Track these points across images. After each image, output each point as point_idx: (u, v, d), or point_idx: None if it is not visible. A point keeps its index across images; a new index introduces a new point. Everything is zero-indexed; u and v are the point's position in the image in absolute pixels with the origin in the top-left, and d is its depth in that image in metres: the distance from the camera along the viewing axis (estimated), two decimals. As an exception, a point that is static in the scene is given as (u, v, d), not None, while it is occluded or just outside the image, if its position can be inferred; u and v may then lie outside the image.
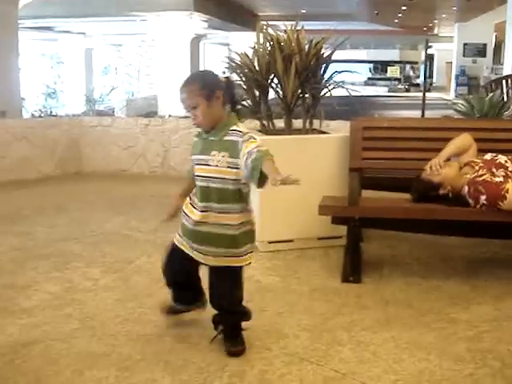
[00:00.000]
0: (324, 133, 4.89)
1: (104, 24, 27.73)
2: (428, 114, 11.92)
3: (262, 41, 4.82)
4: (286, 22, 5.04)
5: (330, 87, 4.81)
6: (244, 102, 5.15)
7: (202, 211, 2.94)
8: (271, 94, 4.98)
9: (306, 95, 4.83)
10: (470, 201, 3.86)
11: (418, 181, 4.11)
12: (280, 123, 5.00)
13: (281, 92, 4.77)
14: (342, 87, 4.81)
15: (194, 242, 3.01)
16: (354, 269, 4.04)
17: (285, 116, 4.87)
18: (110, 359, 3.00)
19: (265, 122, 4.94)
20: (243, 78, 4.93)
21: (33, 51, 31.68)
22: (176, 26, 20.64)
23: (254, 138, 2.88)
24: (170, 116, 12.67)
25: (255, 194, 4.60)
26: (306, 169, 4.59)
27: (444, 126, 4.81)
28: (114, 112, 20.36)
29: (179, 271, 3.19)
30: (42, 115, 15.61)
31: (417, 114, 14.20)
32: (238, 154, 2.83)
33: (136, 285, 3.98)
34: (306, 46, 4.70)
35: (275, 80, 4.82)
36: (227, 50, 35.12)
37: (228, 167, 2.86)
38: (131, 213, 5.70)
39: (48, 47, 33.57)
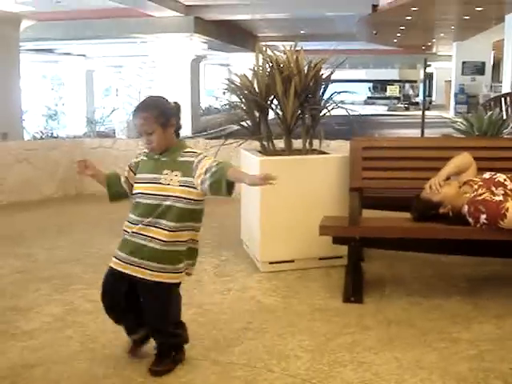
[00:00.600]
0: (324, 153, 4.91)
1: (104, 46, 28.00)
2: (427, 132, 11.97)
3: (261, 62, 4.86)
4: (285, 43, 5.08)
5: (329, 107, 4.84)
6: (244, 123, 5.19)
7: (146, 225, 2.99)
8: (271, 115, 5.01)
9: (306, 116, 4.86)
10: (470, 220, 3.87)
11: (417, 200, 4.12)
12: (280, 144, 5.03)
13: (280, 113, 4.80)
14: (341, 107, 4.83)
15: (131, 255, 3.00)
16: (355, 289, 4.04)
17: (285, 136, 4.89)
18: (110, 382, 2.99)
19: (265, 143, 4.96)
20: (243, 100, 4.97)
21: (34, 73, 31.89)
22: (176, 47, 20.83)
23: (209, 157, 3.01)
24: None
25: (256, 214, 4.63)
26: (307, 189, 4.62)
27: (443, 145, 4.84)
28: (114, 133, 20.44)
29: (117, 294, 3.09)
30: (43, 137, 15.67)
31: (416, 132, 14.26)
32: (191, 172, 2.96)
33: (137, 306, 3.97)
34: (305, 67, 4.74)
35: (275, 101, 4.86)
36: (227, 70, 35.34)
37: (180, 186, 2.97)
38: (132, 234, 5.70)
39: (49, 69, 33.82)
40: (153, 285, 2.99)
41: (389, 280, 4.50)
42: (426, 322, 3.70)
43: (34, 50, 27.03)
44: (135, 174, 3.13)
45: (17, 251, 5.26)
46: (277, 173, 4.49)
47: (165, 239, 2.98)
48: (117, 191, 3.21)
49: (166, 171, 2.99)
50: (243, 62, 27.36)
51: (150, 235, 2.98)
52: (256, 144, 5.18)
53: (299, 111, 4.79)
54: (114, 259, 3.07)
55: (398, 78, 51.71)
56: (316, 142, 4.98)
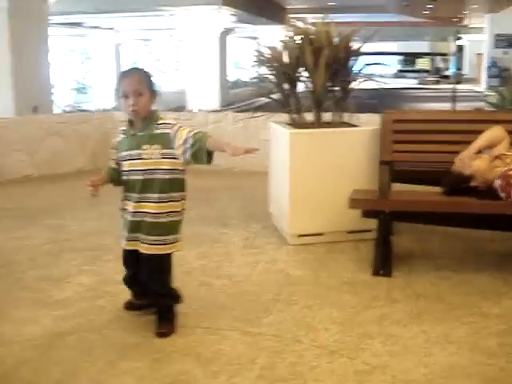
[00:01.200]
0: (354, 126, 4.87)
1: (133, 19, 27.94)
2: (459, 106, 11.80)
3: (291, 34, 4.82)
4: (314, 15, 5.03)
5: (359, 80, 4.79)
6: (273, 96, 5.16)
7: (137, 202, 3.12)
8: (300, 88, 4.98)
9: (336, 88, 4.81)
10: (502, 194, 3.82)
11: (448, 174, 4.08)
12: (309, 117, 4.99)
13: (310, 85, 4.76)
14: (372, 80, 4.78)
15: (132, 232, 3.17)
16: (384, 262, 4.03)
17: (314, 109, 4.85)
18: (142, 350, 3.05)
19: (294, 116, 4.93)
20: (272, 72, 4.94)
21: (62, 47, 32.03)
22: (204, 20, 20.68)
23: (184, 127, 3.08)
24: (199, 110, 12.74)
25: (285, 187, 4.63)
26: (336, 162, 4.60)
27: (475, 118, 4.75)
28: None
29: (133, 271, 3.31)
30: (73, 110, 15.79)
31: (447, 106, 14.07)
32: (170, 144, 3.04)
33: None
34: (336, 39, 4.69)
35: (305, 73, 4.82)
36: (255, 43, 35.09)
37: (163, 158, 3.05)
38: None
39: (77, 43, 33.93)
40: (152, 257, 3.13)
41: (418, 254, 4.48)
42: (455, 297, 3.68)
43: (62, 24, 27.11)
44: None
45: (49, 222, 5.35)
46: (306, 145, 4.54)
47: (157, 211, 3.08)
48: (117, 180, 3.31)
49: (145, 146, 3.06)
50: (271, 35, 27.12)
51: (144, 210, 3.10)
52: (285, 117, 5.16)
53: (329, 83, 4.74)
54: (123, 241, 3.25)
55: (428, 51, 50.86)
56: (346, 115, 4.94)
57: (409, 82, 41.45)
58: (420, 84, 40.78)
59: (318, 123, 4.84)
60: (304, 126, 4.86)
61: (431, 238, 4.76)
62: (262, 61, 5.01)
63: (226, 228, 5.10)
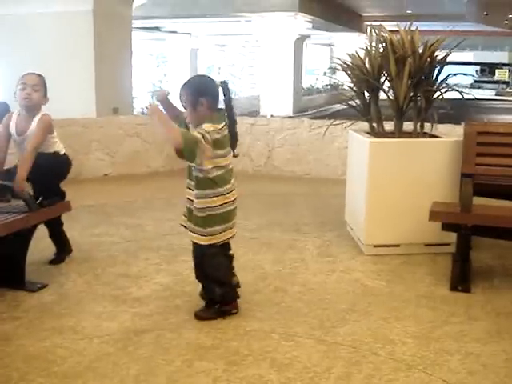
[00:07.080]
0: (435, 137, 4.77)
1: (209, 24, 28.35)
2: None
3: (374, 42, 4.77)
4: (390, 23, 4.97)
5: (442, 90, 4.69)
6: (352, 103, 5.11)
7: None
8: (380, 96, 4.92)
9: (419, 98, 4.73)
10: None
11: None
12: (388, 126, 4.93)
13: (392, 94, 4.69)
14: (456, 90, 4.68)
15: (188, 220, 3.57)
16: (463, 278, 3.92)
17: (395, 118, 4.78)
18: (218, 352, 3.07)
19: (374, 125, 4.88)
20: (354, 79, 4.90)
21: (141, 51, 32.80)
22: (280, 26, 20.76)
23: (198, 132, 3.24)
24: (272, 116, 12.78)
25: (362, 197, 4.58)
26: (416, 173, 4.52)
27: None
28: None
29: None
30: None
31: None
32: None
33: (242, 281, 4.02)
34: (420, 48, 4.61)
35: (386, 82, 4.76)
36: (329, 50, 34.96)
37: None
38: (236, 210, 5.79)
39: (155, 47, 34.67)
40: (193, 244, 3.46)
41: (498, 271, 4.35)
42: (538, 317, 3.56)
43: (141, 28, 27.77)
44: None
45: (127, 221, 5.48)
46: (386, 155, 4.49)
47: (197, 206, 3.49)
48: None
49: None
50: (346, 42, 26.95)
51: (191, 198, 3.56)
52: (362, 125, 5.11)
53: (412, 93, 4.67)
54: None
55: (507, 62, 49.41)
56: (427, 126, 4.85)
57: (485, 93, 40.36)
58: (497, 95, 39.68)
59: (399, 133, 4.77)
60: (384, 135, 4.80)
61: (512, 255, 4.62)
62: (343, 68, 4.97)
63: (300, 235, 5.10)
